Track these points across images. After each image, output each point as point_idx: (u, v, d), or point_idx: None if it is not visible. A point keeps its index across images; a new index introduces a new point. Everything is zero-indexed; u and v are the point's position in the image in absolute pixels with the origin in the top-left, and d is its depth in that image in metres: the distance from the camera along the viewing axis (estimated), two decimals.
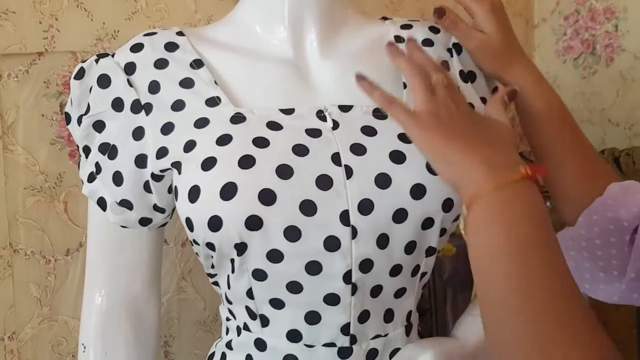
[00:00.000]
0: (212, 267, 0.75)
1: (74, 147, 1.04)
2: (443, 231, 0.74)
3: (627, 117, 1.65)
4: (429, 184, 0.71)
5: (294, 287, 0.71)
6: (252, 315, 0.75)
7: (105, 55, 0.80)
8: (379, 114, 0.76)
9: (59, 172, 1.05)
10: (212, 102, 0.75)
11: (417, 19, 0.90)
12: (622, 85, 1.65)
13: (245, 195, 0.68)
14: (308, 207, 0.69)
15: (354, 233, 0.70)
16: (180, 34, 0.81)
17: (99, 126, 0.78)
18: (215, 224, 0.68)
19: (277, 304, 0.73)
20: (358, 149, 0.72)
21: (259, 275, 0.71)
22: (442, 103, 0.66)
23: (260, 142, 0.71)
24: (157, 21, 1.10)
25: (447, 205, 0.72)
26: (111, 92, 0.78)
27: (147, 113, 0.76)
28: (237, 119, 0.73)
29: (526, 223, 0.59)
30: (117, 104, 0.77)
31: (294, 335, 0.74)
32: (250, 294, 0.73)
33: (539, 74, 0.86)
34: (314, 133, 0.73)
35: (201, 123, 0.73)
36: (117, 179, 0.77)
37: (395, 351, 0.76)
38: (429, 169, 0.72)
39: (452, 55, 0.85)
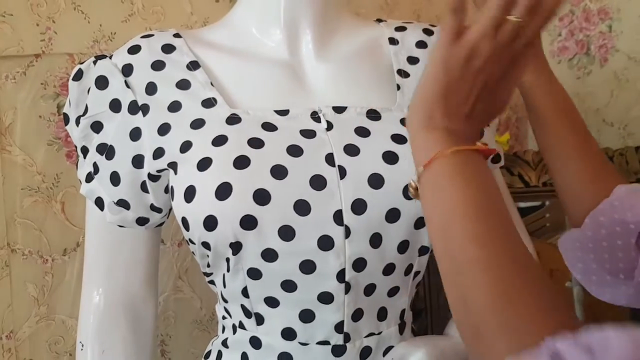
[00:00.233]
0: (208, 266, 0.76)
1: (71, 147, 1.05)
2: None
3: (621, 117, 1.66)
4: None
5: (289, 286, 0.72)
6: (247, 313, 0.76)
7: (103, 57, 0.81)
8: (372, 115, 0.77)
9: (56, 172, 1.05)
10: (208, 103, 0.76)
11: (411, 21, 0.90)
12: (616, 85, 1.65)
13: (240, 195, 0.68)
14: (302, 207, 0.69)
15: (348, 232, 0.71)
16: (177, 35, 0.82)
17: (96, 127, 0.79)
18: (210, 223, 0.69)
19: (271, 302, 0.74)
20: (351, 150, 0.73)
21: (254, 274, 0.72)
22: (483, 53, 0.59)
23: (255, 143, 0.72)
24: (153, 23, 1.11)
25: None
26: (109, 94, 0.78)
27: (144, 114, 0.77)
28: (233, 119, 0.74)
29: (485, 185, 0.59)
30: (115, 105, 0.78)
31: (288, 334, 0.75)
32: (245, 292, 0.74)
33: (551, 74, 0.87)
34: (308, 134, 0.74)
35: (197, 124, 0.74)
36: (115, 179, 0.78)
37: (388, 349, 0.77)
38: None
39: None
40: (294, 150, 0.72)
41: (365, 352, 0.76)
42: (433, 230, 0.59)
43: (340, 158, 0.72)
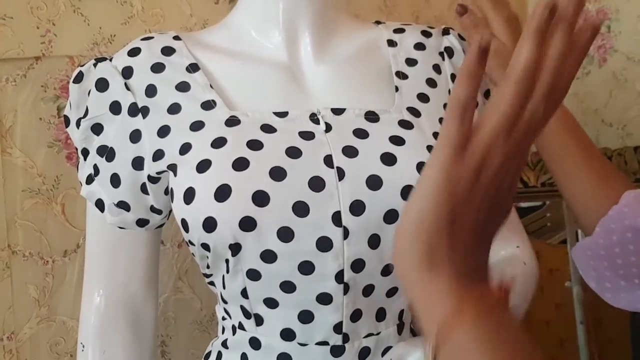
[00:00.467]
0: (208, 267, 0.76)
1: (71, 149, 1.06)
2: None
3: (620, 118, 1.67)
4: None
5: (288, 287, 0.72)
6: (246, 314, 0.76)
7: (103, 59, 0.81)
8: (371, 117, 0.77)
9: (56, 174, 1.06)
10: (208, 105, 0.76)
11: (410, 23, 0.91)
12: (615, 85, 1.66)
13: (239, 197, 0.69)
14: (301, 209, 0.70)
15: (346, 234, 0.71)
16: (176, 38, 0.83)
17: (97, 129, 0.80)
18: (209, 225, 0.69)
19: (271, 303, 0.74)
20: (350, 151, 0.73)
21: (253, 275, 0.72)
22: (496, 160, 0.48)
23: (254, 145, 0.72)
24: (153, 25, 1.11)
25: None
26: (109, 96, 0.79)
27: (144, 116, 0.77)
28: (232, 122, 0.74)
29: (518, 343, 0.47)
30: (115, 107, 0.78)
31: (287, 334, 0.75)
32: (244, 293, 0.74)
33: None
34: (307, 136, 0.74)
35: (196, 126, 0.75)
36: (115, 180, 0.78)
37: (387, 349, 0.77)
38: (420, 170, 0.73)
39: (443, 59, 0.86)
40: (293, 152, 0.72)
41: (364, 352, 0.76)
42: None
43: (339, 159, 0.73)
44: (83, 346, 0.84)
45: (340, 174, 0.72)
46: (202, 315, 1.23)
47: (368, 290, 0.74)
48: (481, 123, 0.48)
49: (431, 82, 0.83)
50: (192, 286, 1.21)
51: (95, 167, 0.80)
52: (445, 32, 0.89)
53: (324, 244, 0.71)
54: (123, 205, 0.79)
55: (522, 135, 0.48)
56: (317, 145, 0.73)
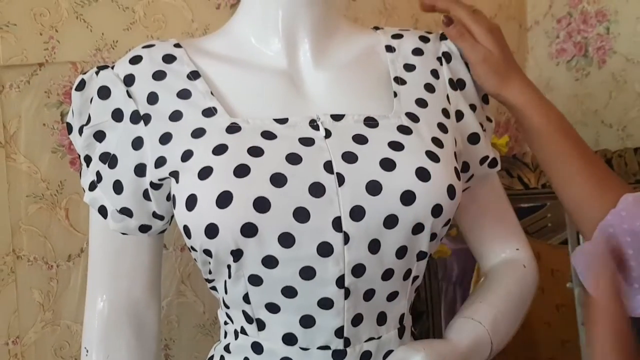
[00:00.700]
0: (210, 272, 0.77)
1: (74, 155, 1.06)
2: (433, 236, 0.76)
3: (620, 119, 1.67)
4: (419, 190, 0.73)
5: (289, 292, 0.73)
6: (248, 319, 0.77)
7: (105, 67, 0.82)
8: (370, 122, 0.78)
9: (60, 179, 1.07)
10: (209, 112, 0.77)
11: (408, 29, 0.92)
12: (614, 87, 1.66)
13: (240, 203, 0.70)
14: (301, 214, 0.71)
15: (346, 239, 0.72)
16: (177, 45, 0.83)
17: (99, 136, 0.81)
18: (211, 231, 0.70)
19: (272, 308, 0.75)
20: (349, 157, 0.74)
21: (255, 280, 0.73)
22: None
23: (255, 152, 0.73)
24: (154, 31, 1.12)
25: (437, 210, 0.74)
26: (111, 103, 0.80)
27: (146, 123, 0.78)
28: (233, 129, 0.75)
29: None
30: (117, 115, 0.79)
31: (289, 339, 0.76)
32: (246, 298, 0.75)
33: (537, 91, 0.88)
34: (307, 142, 0.75)
35: (198, 133, 0.75)
36: (117, 187, 0.79)
37: (388, 353, 0.78)
38: (419, 175, 0.74)
39: (441, 64, 0.87)
40: (293, 158, 0.73)
41: (365, 356, 0.77)
42: None
43: (339, 165, 0.73)
44: (87, 351, 0.85)
45: (340, 179, 0.73)
46: (205, 318, 1.24)
47: (369, 294, 0.75)
48: None
49: (429, 88, 0.84)
50: (194, 290, 1.21)
51: (98, 174, 0.81)
52: (443, 37, 0.90)
53: (325, 249, 0.71)
54: (126, 212, 0.80)
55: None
56: (317, 151, 0.74)
